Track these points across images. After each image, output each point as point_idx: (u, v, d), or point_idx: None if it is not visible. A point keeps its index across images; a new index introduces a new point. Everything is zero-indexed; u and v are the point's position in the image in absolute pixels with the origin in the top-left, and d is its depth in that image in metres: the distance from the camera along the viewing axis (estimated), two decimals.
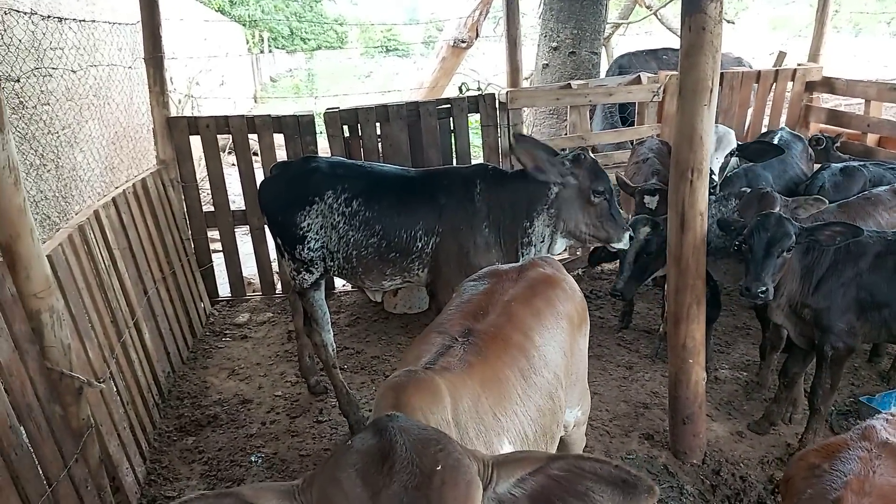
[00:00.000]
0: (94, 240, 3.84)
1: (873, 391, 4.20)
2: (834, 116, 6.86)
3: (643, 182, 4.82)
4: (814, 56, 6.89)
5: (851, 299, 3.46)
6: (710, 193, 4.16)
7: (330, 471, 1.25)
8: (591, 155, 3.96)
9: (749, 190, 4.18)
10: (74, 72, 5.82)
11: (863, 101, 6.62)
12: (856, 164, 4.99)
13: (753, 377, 4.48)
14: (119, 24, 6.48)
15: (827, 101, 8.50)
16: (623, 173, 5.68)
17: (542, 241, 3.93)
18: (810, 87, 6.80)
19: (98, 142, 6.38)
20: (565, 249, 5.68)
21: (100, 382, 3.33)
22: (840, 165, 4.94)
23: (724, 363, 4.69)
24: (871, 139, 6.49)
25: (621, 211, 4.07)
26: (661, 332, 4.78)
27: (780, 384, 3.94)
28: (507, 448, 2.01)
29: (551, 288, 2.58)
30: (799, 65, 6.93)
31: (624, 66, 7.85)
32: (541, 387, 2.26)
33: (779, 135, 5.27)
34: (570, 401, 2.60)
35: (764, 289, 3.27)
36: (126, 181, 4.94)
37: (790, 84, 6.77)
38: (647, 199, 4.56)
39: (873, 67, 16.44)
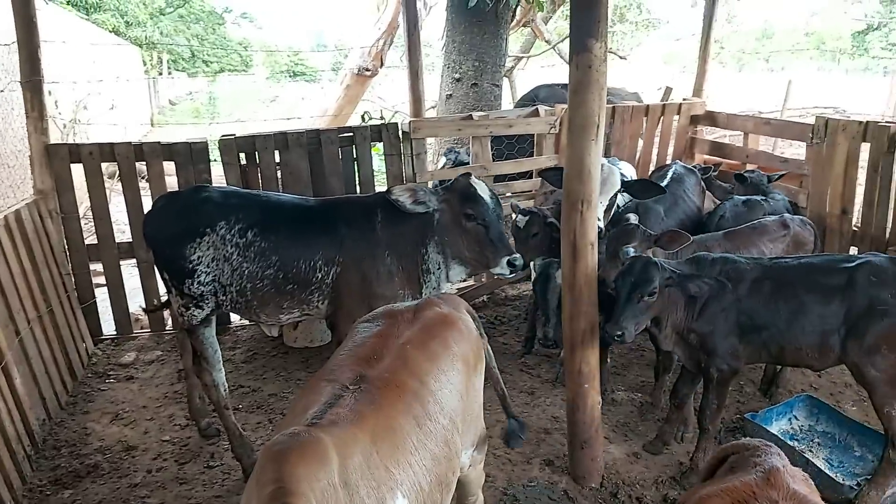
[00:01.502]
0: None
1: (757, 408, 4.43)
2: (717, 148, 7.31)
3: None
4: (698, 91, 7.34)
5: (733, 323, 3.64)
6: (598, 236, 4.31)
7: None
8: (476, 181, 3.87)
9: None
10: None
11: (742, 133, 7.11)
12: (758, 197, 5.25)
13: (647, 398, 4.62)
14: None
15: (711, 132, 9.08)
16: (533, 202, 5.82)
17: (439, 268, 3.94)
18: (695, 120, 7.23)
19: None
20: (469, 276, 5.74)
21: None
22: (743, 198, 5.23)
23: (621, 385, 4.83)
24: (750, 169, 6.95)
25: (507, 235, 3.98)
26: (561, 356, 4.87)
27: (671, 405, 4.09)
28: (400, 502, 1.97)
29: (447, 329, 2.55)
30: (684, 99, 7.36)
31: (540, 97, 8.04)
32: (436, 434, 2.21)
33: (673, 168, 5.50)
34: (465, 442, 2.56)
35: (620, 332, 3.43)
36: None
37: (676, 117, 7.17)
38: (518, 217, 4.71)
39: (754, 100, 17.76)
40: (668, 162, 6.62)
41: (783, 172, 5.91)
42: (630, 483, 3.78)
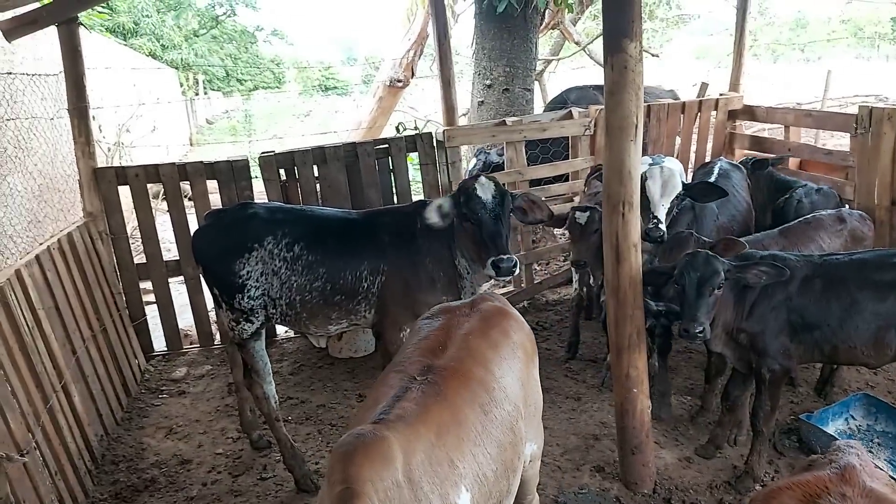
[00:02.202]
0: (14, 301, 3.64)
1: (812, 408, 4.32)
2: (757, 142, 7.17)
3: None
4: (734, 85, 7.22)
5: (783, 322, 3.57)
6: (658, 240, 4.25)
7: None
8: (482, 181, 3.78)
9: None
10: None
11: (782, 126, 6.96)
12: (825, 186, 5.22)
13: (698, 401, 4.54)
14: (39, 75, 6.28)
15: (749, 127, 8.91)
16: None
17: (468, 273, 3.95)
18: (733, 115, 7.10)
19: (21, 195, 6.11)
20: (505, 283, 5.72)
21: (22, 455, 3.13)
22: (815, 186, 5.14)
23: (671, 389, 4.75)
24: (793, 163, 6.80)
25: (503, 235, 3.71)
26: (607, 361, 4.82)
27: (723, 408, 4.01)
28: (463, 496, 2.01)
29: (505, 319, 2.63)
30: (721, 94, 7.24)
31: (571, 99, 8.01)
32: (502, 420, 2.26)
33: (719, 165, 5.41)
34: (528, 433, 2.58)
35: (700, 329, 3.34)
36: (51, 236, 4.73)
37: (714, 113, 7.06)
38: (577, 214, 4.66)
39: (791, 92, 17.37)
40: (707, 159, 6.51)
41: (782, 156, 5.93)
42: (683, 488, 3.71)
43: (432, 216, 3.74)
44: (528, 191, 5.14)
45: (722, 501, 3.61)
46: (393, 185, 5.80)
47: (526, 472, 2.73)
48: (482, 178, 3.81)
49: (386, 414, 1.96)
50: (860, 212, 4.61)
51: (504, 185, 4.21)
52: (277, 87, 30.64)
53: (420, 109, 12.93)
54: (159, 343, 5.71)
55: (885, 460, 3.88)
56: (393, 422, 1.93)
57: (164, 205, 6.09)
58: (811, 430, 3.94)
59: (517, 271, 3.70)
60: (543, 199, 6.27)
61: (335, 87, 29.42)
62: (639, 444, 3.65)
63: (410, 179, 5.94)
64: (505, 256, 3.61)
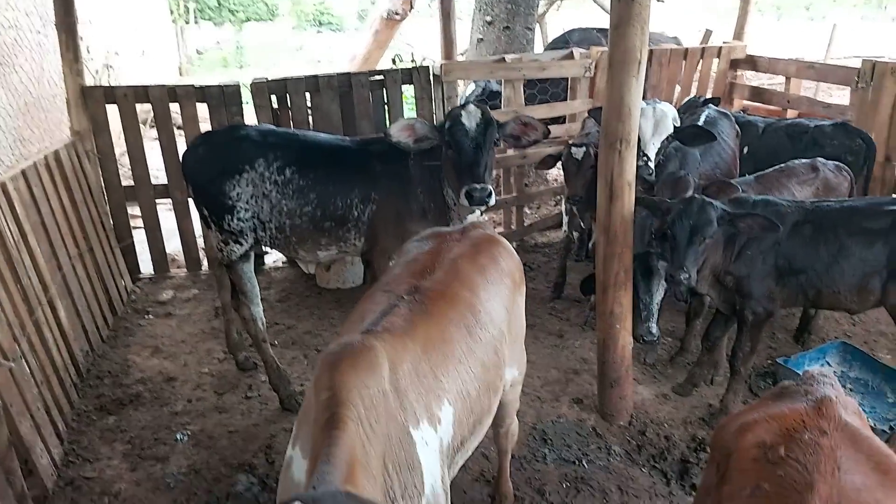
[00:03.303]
0: (1, 214, 3.60)
1: (789, 353, 4.41)
2: (757, 93, 7.11)
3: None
4: (738, 35, 7.10)
5: (770, 266, 3.60)
6: (647, 178, 4.23)
7: None
8: (469, 108, 3.65)
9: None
10: None
11: (783, 79, 6.88)
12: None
13: (678, 342, 4.62)
14: None
15: (750, 79, 8.80)
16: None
17: (455, 204, 3.82)
18: (735, 64, 7.01)
19: (6, 112, 5.96)
20: (490, 218, 5.65)
21: (8, 361, 3.15)
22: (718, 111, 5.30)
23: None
24: (791, 115, 6.75)
25: (481, 165, 3.55)
26: (591, 301, 4.87)
27: (703, 348, 4.09)
28: (446, 409, 2.06)
29: (494, 246, 2.67)
30: (724, 42, 7.13)
31: (573, 40, 7.85)
32: (486, 342, 2.32)
33: (706, 112, 5.36)
34: (510, 359, 2.64)
35: (686, 276, 3.35)
36: (37, 153, 4.64)
37: (716, 61, 6.96)
38: (574, 150, 4.65)
39: (793, 49, 17.12)
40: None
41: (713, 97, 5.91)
42: (658, 422, 3.82)
43: (402, 136, 3.63)
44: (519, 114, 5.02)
45: (695, 436, 3.72)
46: (387, 117, 5.71)
47: (506, 396, 2.79)
48: (470, 106, 3.69)
49: (374, 326, 1.99)
50: (836, 162, 4.58)
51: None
52: (270, 19, 29.79)
53: (416, 46, 12.62)
54: (146, 266, 5.70)
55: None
56: (381, 332, 1.95)
57: (153, 132, 5.98)
58: (787, 373, 4.03)
59: (492, 202, 3.53)
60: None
61: (329, 23, 28.65)
62: (618, 377, 3.73)
63: (405, 114, 5.84)
64: (479, 185, 3.47)
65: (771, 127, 5.52)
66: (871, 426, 3.54)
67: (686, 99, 6.00)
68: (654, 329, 3.63)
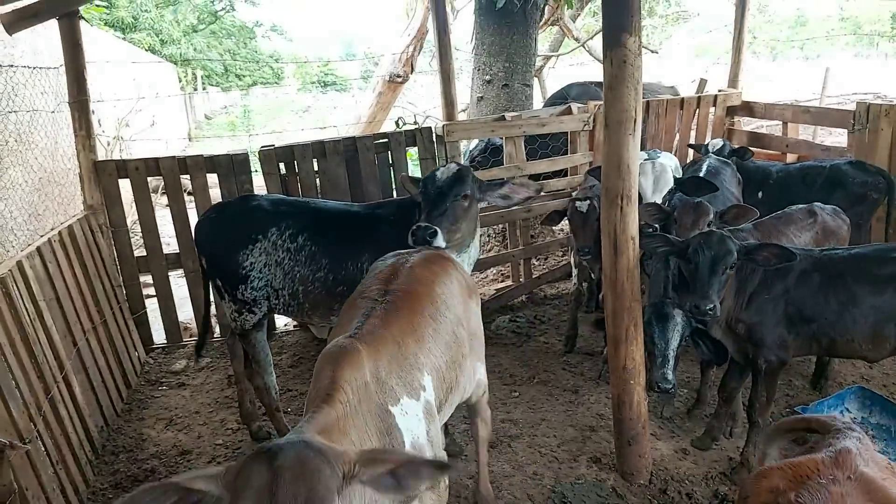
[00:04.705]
0: (16, 292, 3.66)
1: (807, 401, 4.36)
2: (755, 138, 7.20)
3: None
4: (733, 81, 7.25)
5: (781, 314, 3.60)
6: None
7: (234, 480, 1.64)
8: (449, 165, 3.78)
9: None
10: None
11: (781, 122, 6.99)
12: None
13: (693, 393, 4.58)
14: (40, 68, 6.29)
15: (748, 124, 8.93)
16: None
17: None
18: (731, 111, 7.14)
19: (21, 188, 6.12)
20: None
21: (25, 443, 3.16)
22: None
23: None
24: (791, 159, 6.83)
25: (437, 208, 3.58)
26: (604, 354, 4.85)
27: (720, 399, 4.05)
28: (426, 378, 2.55)
29: (442, 258, 3.19)
30: (720, 90, 7.27)
31: (571, 95, 8.01)
32: (446, 326, 2.83)
33: (707, 161, 5.44)
34: (473, 352, 3.09)
35: (712, 305, 3.35)
36: (52, 228, 4.75)
37: (713, 109, 7.09)
38: (578, 203, 4.72)
39: (789, 89, 17.39)
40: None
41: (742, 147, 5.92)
42: (679, 479, 3.75)
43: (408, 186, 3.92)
44: (513, 177, 5.08)
45: (717, 492, 3.65)
46: (392, 179, 5.82)
47: (470, 378, 3.14)
48: (451, 164, 3.83)
49: (359, 329, 2.44)
50: (834, 206, 4.61)
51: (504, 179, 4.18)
52: (276, 82, 30.61)
53: (419, 105, 12.93)
54: (159, 336, 5.73)
55: (879, 451, 3.91)
56: (364, 335, 2.39)
57: (164, 199, 6.11)
58: None
59: (436, 242, 3.45)
60: (543, 193, 6.35)
61: (334, 83, 29.38)
62: (635, 435, 3.68)
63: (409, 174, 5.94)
64: (423, 224, 3.46)
65: (783, 171, 5.57)
66: None
67: (710, 143, 5.97)
68: (670, 376, 3.54)
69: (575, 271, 5.39)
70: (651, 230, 4.14)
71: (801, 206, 4.56)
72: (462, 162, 6.54)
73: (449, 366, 2.77)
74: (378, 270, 3.02)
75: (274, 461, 1.62)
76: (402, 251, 3.22)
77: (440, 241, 3.48)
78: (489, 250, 7.42)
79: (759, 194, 5.52)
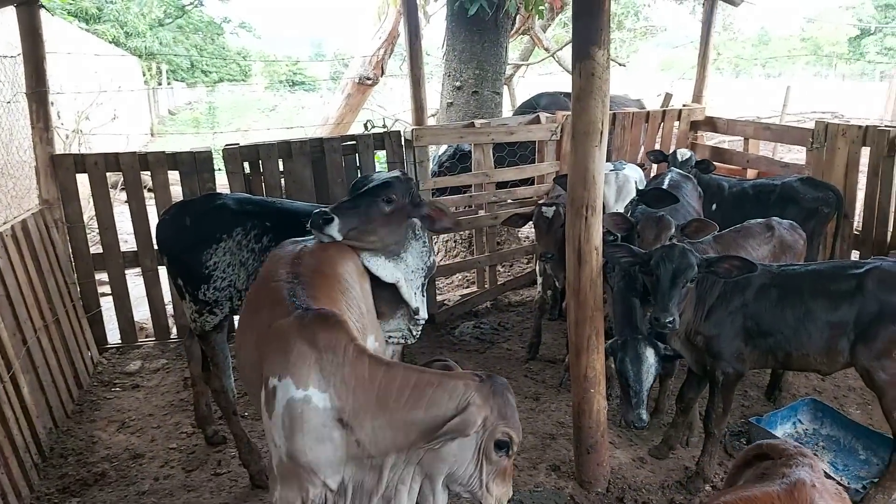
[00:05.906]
0: None
1: (761, 412, 4.45)
2: (717, 153, 7.36)
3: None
4: (697, 97, 7.41)
5: (739, 327, 3.66)
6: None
7: None
8: (393, 172, 3.79)
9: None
10: None
11: (742, 139, 7.16)
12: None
13: (652, 403, 4.63)
14: None
15: (711, 138, 9.12)
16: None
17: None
18: (695, 125, 7.28)
19: None
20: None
21: None
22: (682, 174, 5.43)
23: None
24: (751, 174, 7.00)
25: (351, 201, 3.36)
26: (566, 362, 4.88)
27: (677, 409, 4.10)
28: (370, 340, 2.88)
29: (337, 244, 3.23)
30: (684, 105, 7.41)
31: (541, 104, 8.04)
32: (355, 298, 2.99)
33: (669, 175, 5.52)
34: (371, 326, 3.17)
35: (671, 318, 3.39)
36: (4, 222, 4.59)
37: (677, 123, 7.22)
38: (544, 209, 4.76)
39: (752, 106, 17.84)
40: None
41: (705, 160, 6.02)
42: (636, 487, 3.78)
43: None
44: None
45: (673, 501, 3.70)
46: None
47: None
48: (396, 171, 3.82)
49: (301, 303, 2.57)
50: (791, 221, 4.73)
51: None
52: (243, 80, 30.21)
53: (388, 108, 12.89)
54: (114, 336, 5.58)
55: (829, 462, 4.02)
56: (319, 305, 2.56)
57: (123, 195, 5.96)
58: (760, 433, 4.06)
59: (327, 230, 3.16)
60: (509, 201, 6.39)
61: (302, 83, 29.13)
62: (594, 443, 3.71)
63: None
64: (322, 209, 3.21)
65: (737, 186, 5.70)
66: (844, 485, 3.58)
67: (675, 153, 6.01)
68: (644, 416, 3.63)
69: (540, 279, 5.42)
70: (612, 238, 4.19)
71: (759, 220, 4.66)
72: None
73: (361, 332, 2.89)
74: (279, 257, 3.11)
75: None
76: (298, 238, 3.30)
77: (334, 231, 3.19)
78: (455, 255, 7.42)
79: (713, 206, 5.64)
